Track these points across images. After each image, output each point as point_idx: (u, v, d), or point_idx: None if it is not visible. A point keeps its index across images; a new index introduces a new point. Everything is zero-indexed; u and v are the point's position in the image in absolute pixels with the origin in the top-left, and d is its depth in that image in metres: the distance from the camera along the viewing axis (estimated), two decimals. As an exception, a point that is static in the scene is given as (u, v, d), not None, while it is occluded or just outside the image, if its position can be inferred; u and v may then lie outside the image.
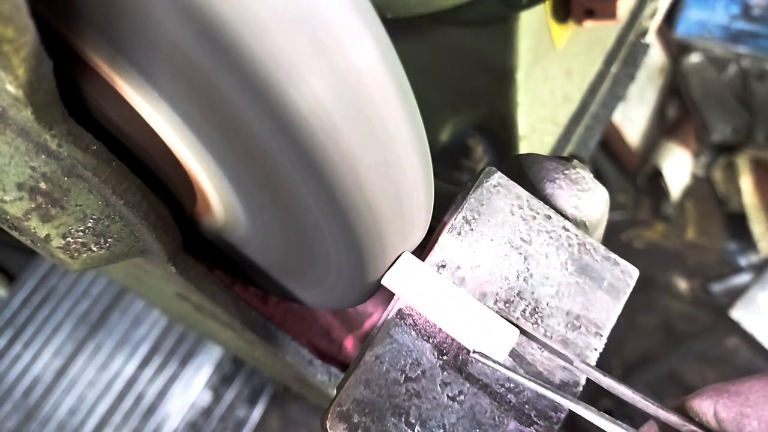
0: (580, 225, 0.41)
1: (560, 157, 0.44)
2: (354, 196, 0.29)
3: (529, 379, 0.34)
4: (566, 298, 0.38)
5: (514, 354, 0.36)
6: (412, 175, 0.31)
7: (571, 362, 0.35)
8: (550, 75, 0.76)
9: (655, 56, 1.66)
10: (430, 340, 0.36)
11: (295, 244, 0.37)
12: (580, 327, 0.37)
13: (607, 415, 0.31)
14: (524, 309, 0.37)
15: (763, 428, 0.26)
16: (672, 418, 0.29)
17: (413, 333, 0.36)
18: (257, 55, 0.23)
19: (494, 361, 0.35)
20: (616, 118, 1.56)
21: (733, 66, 1.68)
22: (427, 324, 0.36)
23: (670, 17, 1.65)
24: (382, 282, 0.37)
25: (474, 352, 0.35)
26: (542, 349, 0.36)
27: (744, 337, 1.29)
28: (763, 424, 0.26)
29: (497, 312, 0.37)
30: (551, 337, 0.37)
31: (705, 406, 0.28)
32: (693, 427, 0.29)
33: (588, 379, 0.36)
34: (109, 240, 0.38)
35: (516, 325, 0.36)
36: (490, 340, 0.35)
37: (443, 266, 0.37)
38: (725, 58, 1.68)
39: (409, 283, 0.36)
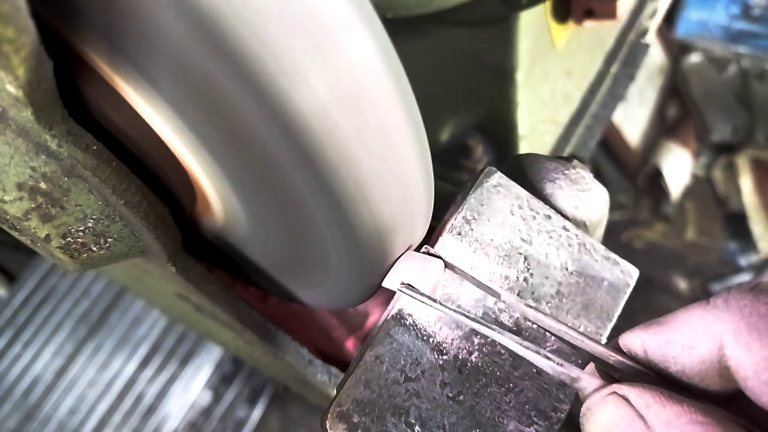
0: (580, 225, 0.41)
1: (560, 157, 0.44)
2: (354, 196, 0.29)
3: (455, 311, 0.34)
4: (566, 298, 0.37)
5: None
6: (413, 175, 0.31)
7: (498, 296, 0.35)
8: (550, 75, 0.76)
9: (655, 56, 1.66)
10: (430, 340, 0.36)
11: (295, 245, 0.37)
12: (579, 327, 0.37)
13: (532, 345, 0.30)
14: None
15: (686, 353, 0.26)
16: (599, 349, 0.29)
17: (413, 333, 0.36)
18: (257, 55, 0.24)
19: (420, 293, 0.35)
20: (616, 118, 1.56)
21: (733, 66, 1.68)
22: (427, 324, 0.36)
23: (670, 17, 1.65)
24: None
25: (402, 284, 0.35)
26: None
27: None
28: (685, 349, 0.26)
29: (498, 311, 0.37)
30: (552, 336, 0.37)
31: (633, 338, 0.28)
32: (620, 358, 0.28)
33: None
34: (109, 240, 0.38)
35: (440, 258, 0.36)
36: (416, 274, 0.35)
37: None
38: (725, 58, 1.68)
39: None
